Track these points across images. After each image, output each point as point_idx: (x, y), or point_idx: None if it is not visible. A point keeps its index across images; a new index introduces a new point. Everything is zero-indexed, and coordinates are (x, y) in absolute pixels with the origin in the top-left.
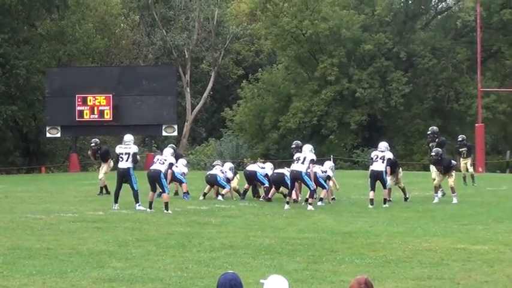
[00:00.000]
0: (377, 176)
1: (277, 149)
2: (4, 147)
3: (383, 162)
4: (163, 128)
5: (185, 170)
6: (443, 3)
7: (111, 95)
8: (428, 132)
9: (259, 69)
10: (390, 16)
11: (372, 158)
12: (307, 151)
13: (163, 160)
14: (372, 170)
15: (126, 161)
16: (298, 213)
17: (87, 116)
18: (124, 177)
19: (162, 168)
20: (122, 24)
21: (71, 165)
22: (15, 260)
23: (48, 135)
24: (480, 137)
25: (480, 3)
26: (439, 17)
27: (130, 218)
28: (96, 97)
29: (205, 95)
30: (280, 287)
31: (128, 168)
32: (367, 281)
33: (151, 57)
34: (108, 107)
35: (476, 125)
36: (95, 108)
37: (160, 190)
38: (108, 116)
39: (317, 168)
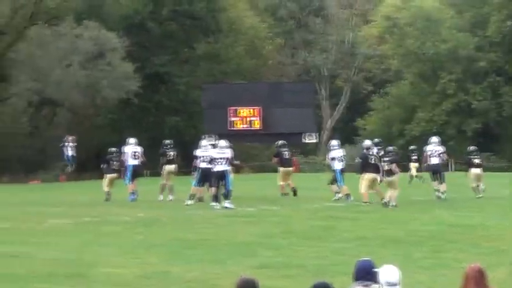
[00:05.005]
0: (436, 169)
1: (402, 154)
2: None
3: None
4: (304, 135)
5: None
6: None
7: (259, 108)
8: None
9: (388, 84)
10: (500, 37)
11: (430, 153)
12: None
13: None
14: (429, 165)
15: (223, 164)
16: (421, 208)
17: (238, 126)
18: (221, 179)
19: None
20: (269, 46)
21: None
22: (177, 249)
23: None
24: None
25: None
26: None
27: (277, 214)
28: (246, 109)
29: (340, 107)
30: (393, 273)
31: (224, 171)
32: (480, 269)
33: (293, 74)
34: (257, 118)
35: None
36: (245, 119)
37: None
38: (257, 125)
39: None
